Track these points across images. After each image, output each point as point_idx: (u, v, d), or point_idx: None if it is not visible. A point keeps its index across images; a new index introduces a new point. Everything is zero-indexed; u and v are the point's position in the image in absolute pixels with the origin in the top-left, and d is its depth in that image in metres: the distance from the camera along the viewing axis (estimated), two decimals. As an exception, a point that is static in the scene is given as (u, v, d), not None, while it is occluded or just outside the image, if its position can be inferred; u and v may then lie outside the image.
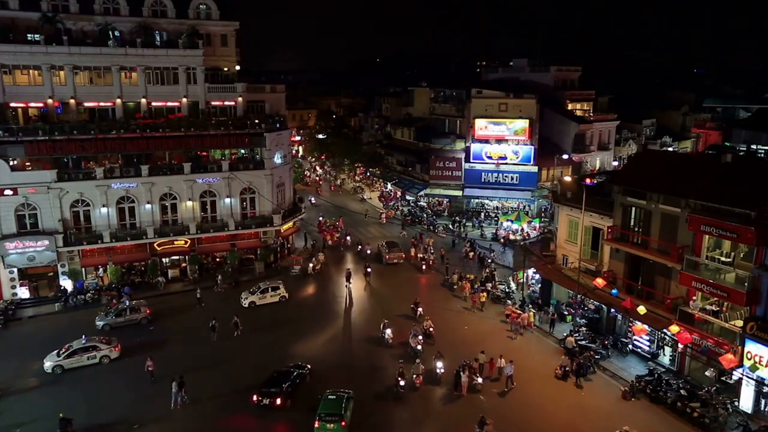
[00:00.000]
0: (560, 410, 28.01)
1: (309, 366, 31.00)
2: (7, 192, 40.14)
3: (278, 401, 27.58)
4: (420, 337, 33.61)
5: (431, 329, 35.61)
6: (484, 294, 40.37)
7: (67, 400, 28.45)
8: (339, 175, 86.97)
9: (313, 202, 70.20)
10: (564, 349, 32.91)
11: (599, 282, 34.18)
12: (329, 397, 26.79)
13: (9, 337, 36.32)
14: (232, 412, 27.74)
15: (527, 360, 32.41)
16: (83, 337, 33.29)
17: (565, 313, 38.02)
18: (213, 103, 47.81)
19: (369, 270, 45.80)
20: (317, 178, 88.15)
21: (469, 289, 41.33)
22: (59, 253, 41.42)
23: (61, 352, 32.19)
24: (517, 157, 60.18)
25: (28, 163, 41.77)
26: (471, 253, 50.67)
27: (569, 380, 30.69)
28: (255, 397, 27.93)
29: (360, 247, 52.38)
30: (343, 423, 25.53)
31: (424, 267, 47.96)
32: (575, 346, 32.59)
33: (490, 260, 48.38)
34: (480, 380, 30.05)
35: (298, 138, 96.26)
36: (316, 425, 25.48)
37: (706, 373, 29.31)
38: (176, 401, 28.01)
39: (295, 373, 29.57)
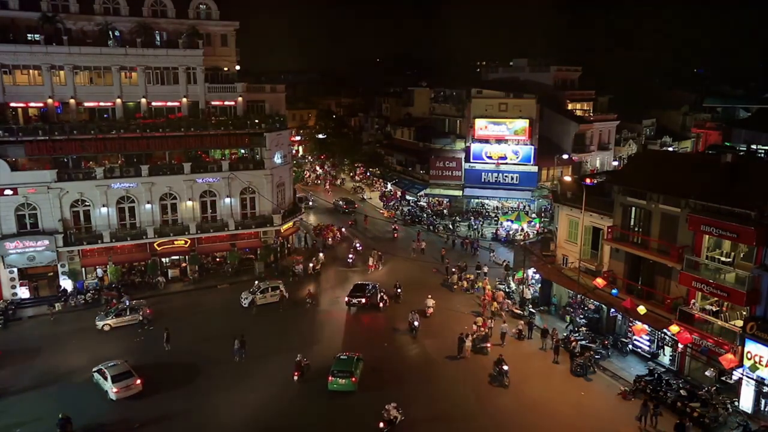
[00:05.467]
0: (560, 410, 28.02)
1: (378, 284, 41.69)
2: (7, 192, 40.14)
3: (363, 301, 39.67)
4: None
5: None
6: (496, 304, 39.41)
7: (67, 399, 28.44)
8: (339, 175, 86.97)
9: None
10: (566, 351, 32.94)
11: (599, 282, 34.18)
12: (341, 357, 30.50)
13: (9, 337, 36.30)
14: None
15: (525, 359, 32.53)
16: None
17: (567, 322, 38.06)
18: (213, 103, 47.80)
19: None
20: (317, 179, 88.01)
21: (487, 304, 39.36)
22: (59, 253, 41.42)
23: None
24: (517, 157, 60.18)
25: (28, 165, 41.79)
26: (466, 241, 54.05)
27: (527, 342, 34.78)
28: (346, 299, 39.80)
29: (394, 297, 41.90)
30: (354, 379, 29.02)
31: (413, 255, 51.00)
32: (575, 347, 32.60)
33: (491, 260, 48.54)
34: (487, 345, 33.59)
35: (298, 138, 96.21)
36: (330, 380, 29.01)
37: (706, 373, 29.33)
38: (240, 356, 32.33)
39: (370, 286, 40.89)
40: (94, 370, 30.26)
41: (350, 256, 49.47)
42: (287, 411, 28.04)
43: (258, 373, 31.46)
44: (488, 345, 33.57)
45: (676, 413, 26.97)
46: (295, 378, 30.37)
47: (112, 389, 28.54)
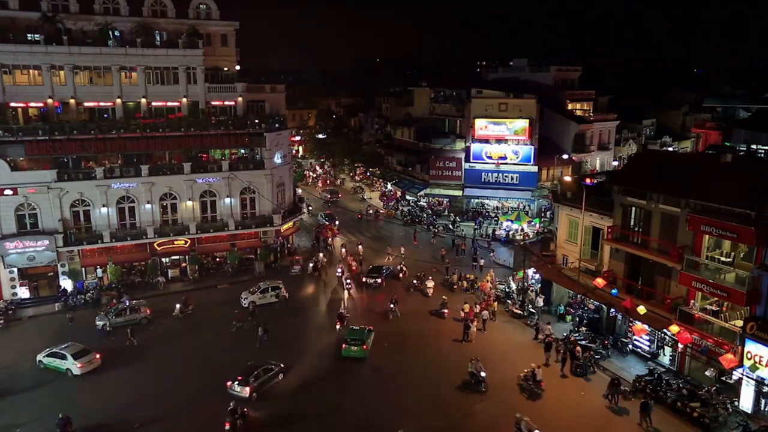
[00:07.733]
0: (560, 410, 28.03)
1: (390, 267, 46.26)
2: (7, 192, 40.18)
3: (379, 280, 43.67)
4: None
5: None
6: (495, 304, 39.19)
7: (67, 399, 28.47)
8: (339, 175, 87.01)
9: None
10: (566, 351, 32.88)
11: (599, 282, 34.17)
12: (354, 328, 34.31)
13: (9, 337, 36.31)
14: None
15: (524, 360, 32.50)
16: None
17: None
18: (213, 102, 47.84)
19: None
20: (317, 178, 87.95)
21: (488, 305, 38.65)
22: (59, 253, 41.44)
23: None
24: (517, 157, 60.18)
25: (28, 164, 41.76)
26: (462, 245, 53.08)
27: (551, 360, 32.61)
28: (364, 279, 43.75)
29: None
30: (365, 347, 32.49)
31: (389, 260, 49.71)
32: (575, 348, 32.53)
33: (489, 258, 48.51)
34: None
35: (298, 138, 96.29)
36: (343, 347, 32.49)
37: (706, 373, 29.33)
38: (261, 343, 34.28)
39: (385, 267, 45.84)
40: (42, 355, 31.68)
41: (348, 282, 43.58)
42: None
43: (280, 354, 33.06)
44: (446, 311, 37.73)
45: (676, 413, 27.02)
46: (338, 327, 35.55)
47: (76, 365, 30.77)
